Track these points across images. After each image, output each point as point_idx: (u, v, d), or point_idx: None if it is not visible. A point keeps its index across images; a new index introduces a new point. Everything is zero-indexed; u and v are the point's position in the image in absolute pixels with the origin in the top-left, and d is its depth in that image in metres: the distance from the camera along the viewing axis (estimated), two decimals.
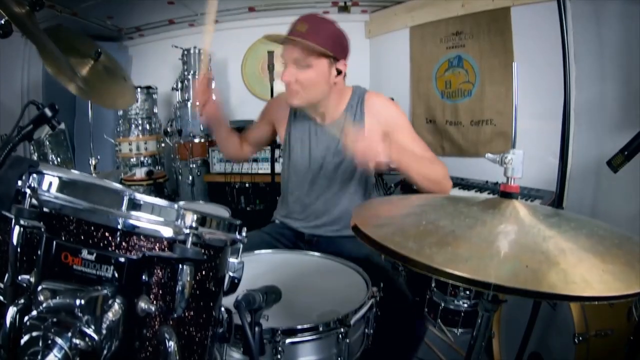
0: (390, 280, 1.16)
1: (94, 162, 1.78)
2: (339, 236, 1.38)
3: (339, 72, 1.25)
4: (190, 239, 0.55)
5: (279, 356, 0.79)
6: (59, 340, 0.47)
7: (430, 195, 0.94)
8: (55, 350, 0.46)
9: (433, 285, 2.05)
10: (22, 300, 0.55)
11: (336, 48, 1.21)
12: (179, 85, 3.16)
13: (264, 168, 2.80)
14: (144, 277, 0.55)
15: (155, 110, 3.30)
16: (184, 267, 0.55)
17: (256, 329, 0.71)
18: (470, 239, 0.59)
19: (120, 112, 3.17)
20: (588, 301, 0.48)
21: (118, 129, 3.19)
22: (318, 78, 1.21)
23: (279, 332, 0.80)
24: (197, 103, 1.39)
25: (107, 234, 0.54)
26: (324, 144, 1.36)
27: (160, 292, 0.56)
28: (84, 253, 0.53)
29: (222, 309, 0.69)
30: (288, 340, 0.80)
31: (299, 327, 0.82)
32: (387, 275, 1.18)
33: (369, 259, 1.23)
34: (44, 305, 0.50)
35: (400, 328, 1.10)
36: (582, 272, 0.52)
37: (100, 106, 1.64)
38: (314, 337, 0.83)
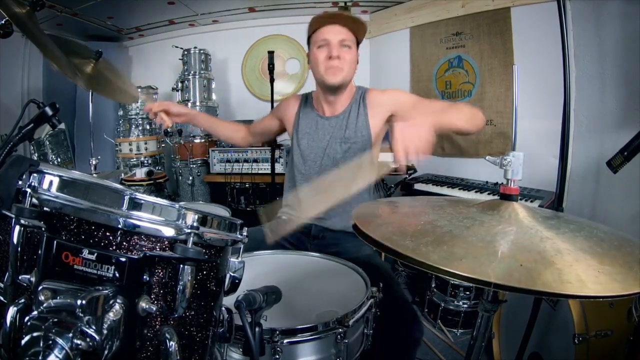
0: (391, 281, 1.16)
1: (94, 162, 1.77)
2: (343, 231, 1.39)
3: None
4: (191, 238, 0.55)
5: (277, 356, 0.79)
6: (59, 341, 0.46)
7: (431, 197, 0.94)
8: (56, 351, 0.46)
9: (433, 286, 2.06)
10: (22, 300, 0.55)
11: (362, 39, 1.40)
12: (179, 85, 3.16)
13: (264, 168, 2.80)
14: (145, 276, 0.55)
15: None
16: (185, 266, 0.55)
17: (256, 329, 0.71)
18: (467, 239, 0.60)
19: (121, 112, 3.17)
20: (583, 299, 0.49)
21: (118, 129, 3.19)
22: (354, 59, 1.38)
23: (278, 332, 0.80)
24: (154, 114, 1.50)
25: (108, 233, 0.54)
26: (329, 133, 1.44)
27: (161, 291, 0.56)
28: (85, 253, 0.53)
29: (223, 308, 0.69)
30: (287, 341, 0.80)
31: (298, 327, 0.82)
32: (388, 276, 1.18)
33: (370, 259, 1.23)
34: (45, 305, 0.50)
35: (399, 330, 1.10)
36: (578, 272, 0.52)
37: (108, 98, 1.68)
38: (312, 337, 0.82)
